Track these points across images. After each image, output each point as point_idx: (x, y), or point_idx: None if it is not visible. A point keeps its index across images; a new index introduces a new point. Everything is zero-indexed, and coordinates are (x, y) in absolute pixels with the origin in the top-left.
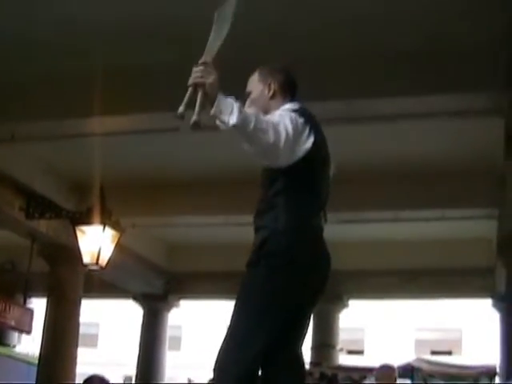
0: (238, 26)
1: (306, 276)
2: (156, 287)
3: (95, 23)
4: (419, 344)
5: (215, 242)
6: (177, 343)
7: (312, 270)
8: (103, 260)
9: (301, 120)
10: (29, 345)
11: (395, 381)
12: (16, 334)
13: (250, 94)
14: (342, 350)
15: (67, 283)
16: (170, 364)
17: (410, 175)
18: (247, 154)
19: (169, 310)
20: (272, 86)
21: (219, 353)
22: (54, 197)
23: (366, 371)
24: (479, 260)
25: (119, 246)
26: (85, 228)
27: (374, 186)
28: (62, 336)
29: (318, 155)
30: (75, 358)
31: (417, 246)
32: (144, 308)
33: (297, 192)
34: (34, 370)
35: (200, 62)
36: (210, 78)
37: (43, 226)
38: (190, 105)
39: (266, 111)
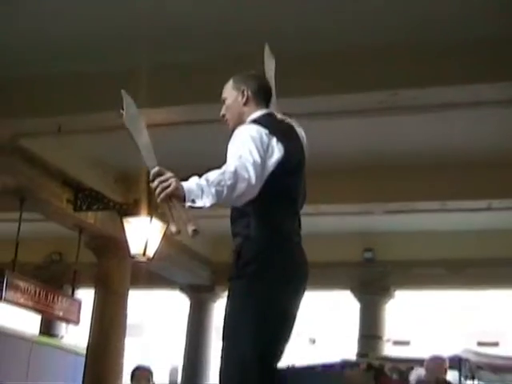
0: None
1: (286, 281)
2: (202, 278)
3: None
4: (465, 335)
5: None
6: None
7: (290, 275)
8: (150, 251)
9: (265, 131)
10: (76, 336)
11: (446, 372)
12: (64, 325)
13: (224, 100)
14: (388, 341)
15: (114, 274)
16: (216, 354)
17: (458, 165)
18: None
19: (215, 300)
20: (245, 93)
21: (222, 373)
22: (101, 189)
23: (413, 362)
24: None
25: (166, 238)
26: (132, 219)
27: (422, 177)
28: (110, 327)
29: (290, 162)
30: (123, 348)
31: (464, 236)
32: (191, 299)
33: (268, 198)
34: (82, 360)
35: (151, 176)
36: (168, 184)
37: (91, 217)
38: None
39: (240, 117)
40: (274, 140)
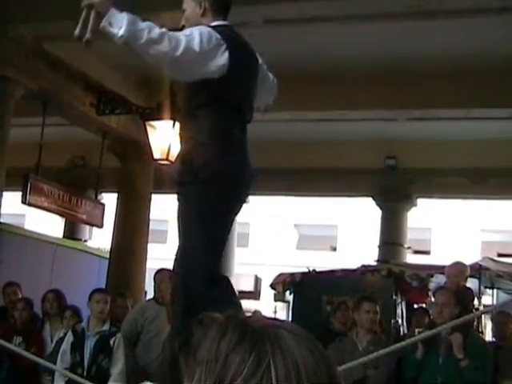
0: None
1: (232, 186)
2: None
3: None
4: (486, 246)
5: (282, 138)
6: (244, 240)
7: (237, 180)
8: (173, 155)
9: (216, 36)
10: (100, 239)
11: (466, 279)
12: (87, 229)
13: (184, 11)
14: (409, 248)
15: (137, 178)
16: (237, 261)
17: (483, 73)
18: (309, 52)
19: None
20: (203, 4)
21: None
22: (124, 93)
23: (433, 269)
24: None
25: None
26: (155, 123)
27: (447, 84)
28: (133, 230)
29: (236, 71)
30: (145, 251)
31: (487, 145)
32: None
33: (218, 105)
34: (105, 263)
35: None
36: None
37: (114, 121)
38: (86, 26)
39: None
40: (223, 47)
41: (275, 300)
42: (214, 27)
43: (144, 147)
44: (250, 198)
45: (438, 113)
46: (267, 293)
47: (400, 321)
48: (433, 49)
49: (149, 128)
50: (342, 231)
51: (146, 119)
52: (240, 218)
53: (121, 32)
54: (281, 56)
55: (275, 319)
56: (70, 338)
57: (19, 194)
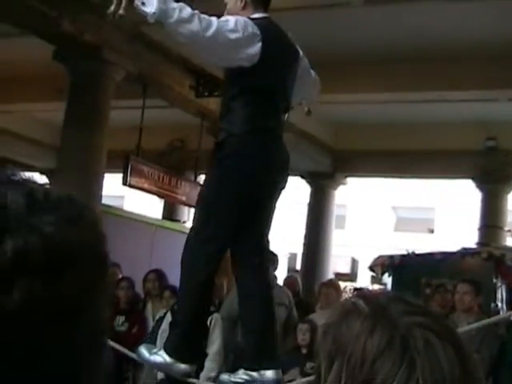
0: None
1: (256, 177)
2: (323, 165)
3: None
4: None
5: (382, 120)
6: (342, 222)
7: (262, 172)
8: None
9: (253, 26)
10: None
11: None
12: (186, 210)
13: (226, 5)
14: (509, 231)
15: None
16: (334, 242)
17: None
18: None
19: (335, 187)
20: None
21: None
22: (221, 75)
23: None
24: None
25: (286, 124)
26: None
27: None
28: None
29: (269, 62)
30: None
31: None
32: (311, 186)
33: (251, 97)
34: None
35: None
36: None
37: (212, 104)
38: (120, 3)
39: None
40: (258, 37)
41: (372, 282)
42: (252, 19)
43: None
44: (348, 179)
45: None
46: (364, 275)
47: (500, 304)
48: (459, 30)
49: None
50: (439, 214)
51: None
52: (337, 199)
53: (152, 10)
54: (378, 38)
55: (420, 306)
56: (169, 317)
57: (119, 176)
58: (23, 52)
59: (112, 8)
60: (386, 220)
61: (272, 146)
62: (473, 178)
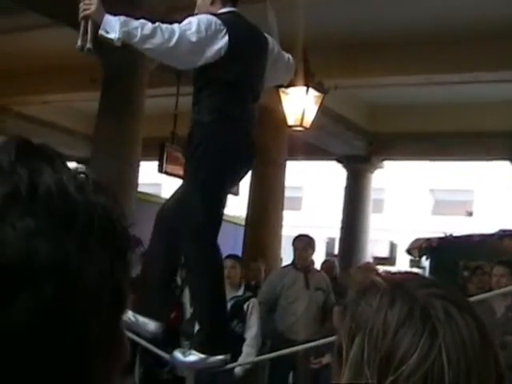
0: None
1: (227, 163)
2: (359, 149)
3: None
4: None
5: (417, 102)
6: (379, 206)
7: (232, 158)
8: (307, 121)
9: (217, 22)
10: (235, 207)
11: None
12: None
13: (196, 1)
14: None
15: (272, 146)
16: (372, 226)
17: None
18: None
19: (372, 171)
20: None
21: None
22: None
23: None
24: None
25: (322, 108)
26: (288, 90)
27: None
28: (268, 198)
29: (234, 53)
30: (281, 219)
31: None
32: (348, 170)
33: (216, 87)
34: (241, 231)
35: None
36: (93, 7)
37: None
38: (85, 36)
39: None
40: (223, 31)
41: (411, 266)
42: (217, 14)
43: (277, 113)
44: (385, 163)
45: None
46: (403, 259)
47: None
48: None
49: (282, 95)
50: (478, 196)
51: (279, 86)
52: (374, 183)
53: (116, 35)
54: (406, 21)
55: (434, 280)
56: None
57: (155, 164)
58: (58, 42)
59: (79, 43)
60: (424, 203)
61: (237, 133)
62: (510, 160)
